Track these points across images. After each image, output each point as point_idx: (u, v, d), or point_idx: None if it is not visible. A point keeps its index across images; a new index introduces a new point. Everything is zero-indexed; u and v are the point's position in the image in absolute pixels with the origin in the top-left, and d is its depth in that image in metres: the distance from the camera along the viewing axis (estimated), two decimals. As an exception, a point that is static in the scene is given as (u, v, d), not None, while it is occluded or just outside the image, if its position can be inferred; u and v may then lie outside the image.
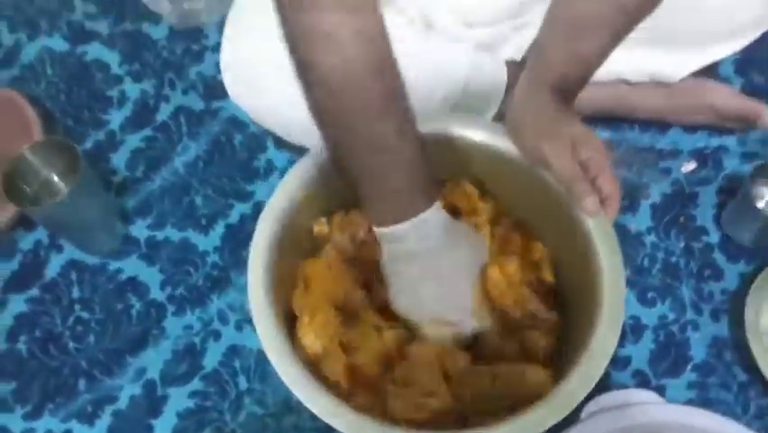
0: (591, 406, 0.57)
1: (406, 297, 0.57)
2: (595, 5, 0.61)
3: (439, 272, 0.56)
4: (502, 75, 0.74)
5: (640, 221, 0.76)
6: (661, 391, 0.66)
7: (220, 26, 0.78)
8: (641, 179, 0.78)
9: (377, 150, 0.51)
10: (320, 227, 0.62)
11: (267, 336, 0.52)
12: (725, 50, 0.77)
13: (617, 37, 0.62)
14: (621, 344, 0.68)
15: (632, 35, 0.63)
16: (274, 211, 0.58)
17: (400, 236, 0.54)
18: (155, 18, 0.90)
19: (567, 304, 0.62)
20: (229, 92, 0.76)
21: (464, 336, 0.57)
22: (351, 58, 0.48)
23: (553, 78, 0.59)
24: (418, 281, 0.56)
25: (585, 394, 0.50)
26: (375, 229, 0.56)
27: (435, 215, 0.55)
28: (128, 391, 0.68)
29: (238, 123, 0.82)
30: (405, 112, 0.52)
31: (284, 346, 0.51)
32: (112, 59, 0.88)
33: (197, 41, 0.89)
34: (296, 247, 0.60)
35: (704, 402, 0.65)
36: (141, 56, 0.88)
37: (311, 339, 0.54)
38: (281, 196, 0.59)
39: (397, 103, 0.51)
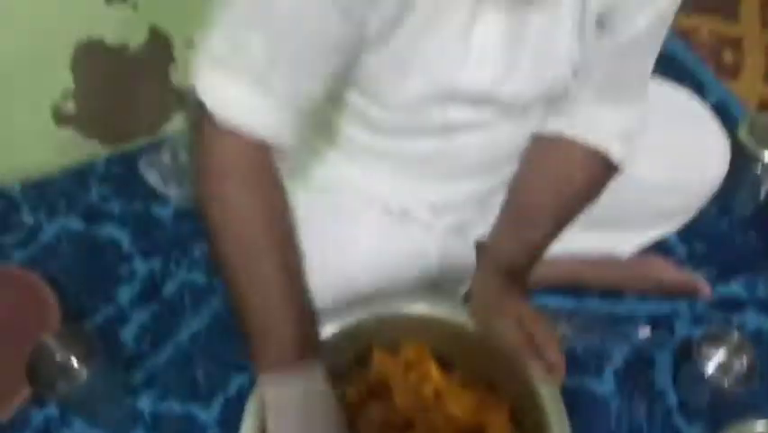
0: None
1: None
2: (538, 198, 0.72)
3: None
4: (471, 255, 0.84)
5: (605, 386, 0.83)
6: None
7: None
8: (603, 344, 0.86)
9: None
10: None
11: None
12: (665, 228, 0.88)
13: (559, 225, 0.73)
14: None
15: (582, 218, 0.73)
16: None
17: (280, 387, 0.58)
18: (162, 200, 1.00)
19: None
20: None
21: None
22: (248, 231, 0.58)
23: (503, 263, 0.69)
24: None
25: None
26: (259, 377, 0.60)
27: (314, 372, 0.59)
28: None
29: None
30: (300, 292, 0.61)
31: None
32: (122, 237, 0.98)
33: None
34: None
35: None
36: (150, 234, 0.98)
37: None
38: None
39: (288, 272, 0.60)
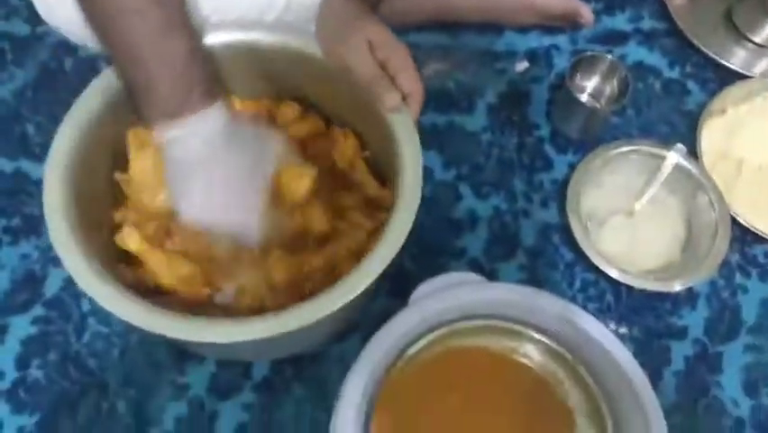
0: (419, 292, 0.61)
1: (190, 206, 0.54)
2: None
3: (222, 179, 0.53)
4: None
5: (476, 121, 0.79)
6: (493, 275, 0.70)
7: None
8: (477, 80, 0.81)
9: (148, 38, 0.50)
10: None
11: (58, 237, 0.51)
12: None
13: None
14: (458, 236, 0.72)
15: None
16: (74, 121, 0.56)
17: (177, 138, 0.52)
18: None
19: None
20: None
21: (251, 243, 0.57)
22: None
23: None
24: (201, 189, 0.53)
25: (379, 272, 0.52)
26: (154, 134, 0.53)
27: (216, 114, 0.53)
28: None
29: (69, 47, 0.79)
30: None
31: (79, 248, 0.50)
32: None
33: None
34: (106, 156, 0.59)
35: (533, 282, 0.70)
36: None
37: (135, 243, 0.55)
38: (81, 106, 0.56)
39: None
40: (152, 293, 0.55)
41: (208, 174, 0.53)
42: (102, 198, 0.59)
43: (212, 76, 0.54)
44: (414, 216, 0.53)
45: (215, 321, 0.49)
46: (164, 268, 0.54)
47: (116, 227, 0.57)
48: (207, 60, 0.53)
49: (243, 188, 0.55)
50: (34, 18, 0.79)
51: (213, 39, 0.61)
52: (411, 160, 0.56)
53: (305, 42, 0.62)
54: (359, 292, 0.50)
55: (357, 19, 0.59)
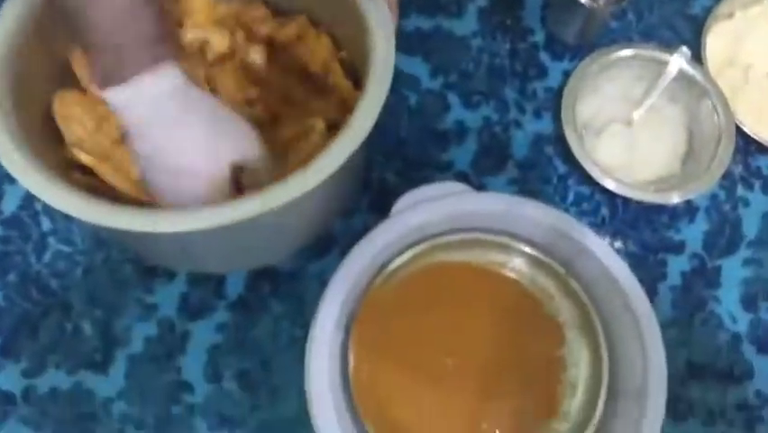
0: (401, 203, 0.57)
1: (150, 174, 0.48)
2: None
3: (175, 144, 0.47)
4: None
5: (466, 25, 0.73)
6: (482, 189, 0.66)
7: None
8: (468, -18, 0.75)
9: None
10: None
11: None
12: None
13: None
14: (444, 148, 0.68)
15: None
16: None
17: (127, 101, 0.46)
18: None
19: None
20: None
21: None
22: None
23: None
24: (155, 156, 0.47)
25: (336, 166, 0.47)
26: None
27: (163, 77, 0.46)
28: None
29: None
30: None
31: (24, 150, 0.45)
32: None
33: None
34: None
35: (524, 194, 0.66)
36: None
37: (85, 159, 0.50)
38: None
39: None
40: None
41: (160, 142, 0.47)
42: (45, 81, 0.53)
43: (164, 37, 0.47)
44: (382, 101, 0.48)
45: (164, 211, 0.45)
46: (115, 175, 0.49)
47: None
48: (160, 19, 0.46)
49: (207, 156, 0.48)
50: None
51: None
52: (382, 44, 0.51)
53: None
54: (311, 186, 0.45)
55: None
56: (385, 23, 0.52)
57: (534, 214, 0.56)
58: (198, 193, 0.48)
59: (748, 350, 0.62)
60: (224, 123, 0.50)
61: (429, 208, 0.56)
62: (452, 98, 0.69)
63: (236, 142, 0.49)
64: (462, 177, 0.66)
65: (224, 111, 0.50)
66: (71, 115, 0.52)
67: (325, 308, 0.52)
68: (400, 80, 0.70)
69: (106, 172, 0.50)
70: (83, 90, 0.55)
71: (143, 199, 0.51)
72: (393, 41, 0.51)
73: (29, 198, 0.63)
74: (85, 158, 0.50)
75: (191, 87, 0.48)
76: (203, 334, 0.59)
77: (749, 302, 0.63)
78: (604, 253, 0.54)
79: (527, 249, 0.56)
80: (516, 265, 0.57)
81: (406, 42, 0.71)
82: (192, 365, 0.59)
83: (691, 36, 0.74)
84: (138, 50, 0.45)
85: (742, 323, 0.63)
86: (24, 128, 0.48)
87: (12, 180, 0.61)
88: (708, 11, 0.75)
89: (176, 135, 0.47)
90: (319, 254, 0.62)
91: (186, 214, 0.45)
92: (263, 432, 0.57)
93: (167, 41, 0.47)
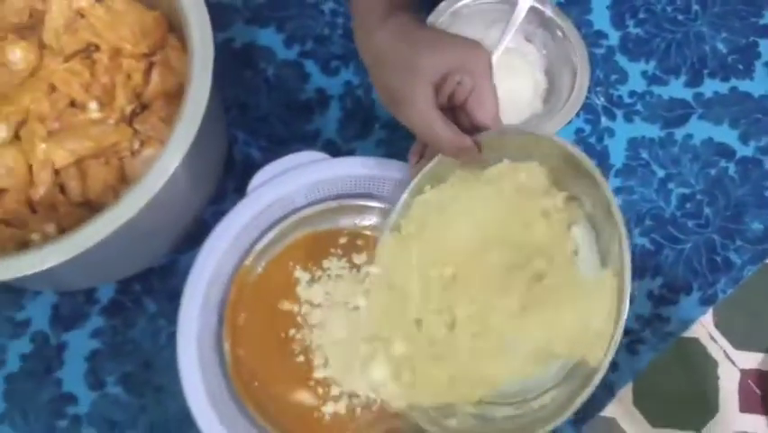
0: (257, 179, 0.56)
1: None
2: None
3: None
4: None
5: None
6: (351, 155, 0.65)
7: None
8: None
9: None
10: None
11: None
12: None
13: None
14: (309, 119, 0.67)
15: None
16: None
17: None
18: None
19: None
20: None
21: None
22: None
23: None
24: None
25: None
26: None
27: None
28: None
29: None
30: None
31: None
32: None
33: None
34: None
35: (395, 157, 0.66)
36: None
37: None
38: None
39: None
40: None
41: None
42: None
43: None
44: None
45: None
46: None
47: None
48: None
49: None
50: None
51: None
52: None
53: None
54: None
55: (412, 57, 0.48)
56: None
57: (395, 175, 0.56)
58: None
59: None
60: None
61: (284, 181, 0.55)
62: (311, 67, 0.68)
63: None
64: (331, 145, 0.66)
65: None
66: None
67: (187, 300, 0.51)
68: (255, 54, 0.68)
69: None
70: None
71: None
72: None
73: None
74: None
75: None
76: (79, 342, 0.58)
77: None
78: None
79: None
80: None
81: (253, 13, 0.69)
82: (72, 376, 0.57)
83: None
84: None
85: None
86: None
87: None
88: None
89: None
90: (191, 246, 0.60)
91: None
92: None
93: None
